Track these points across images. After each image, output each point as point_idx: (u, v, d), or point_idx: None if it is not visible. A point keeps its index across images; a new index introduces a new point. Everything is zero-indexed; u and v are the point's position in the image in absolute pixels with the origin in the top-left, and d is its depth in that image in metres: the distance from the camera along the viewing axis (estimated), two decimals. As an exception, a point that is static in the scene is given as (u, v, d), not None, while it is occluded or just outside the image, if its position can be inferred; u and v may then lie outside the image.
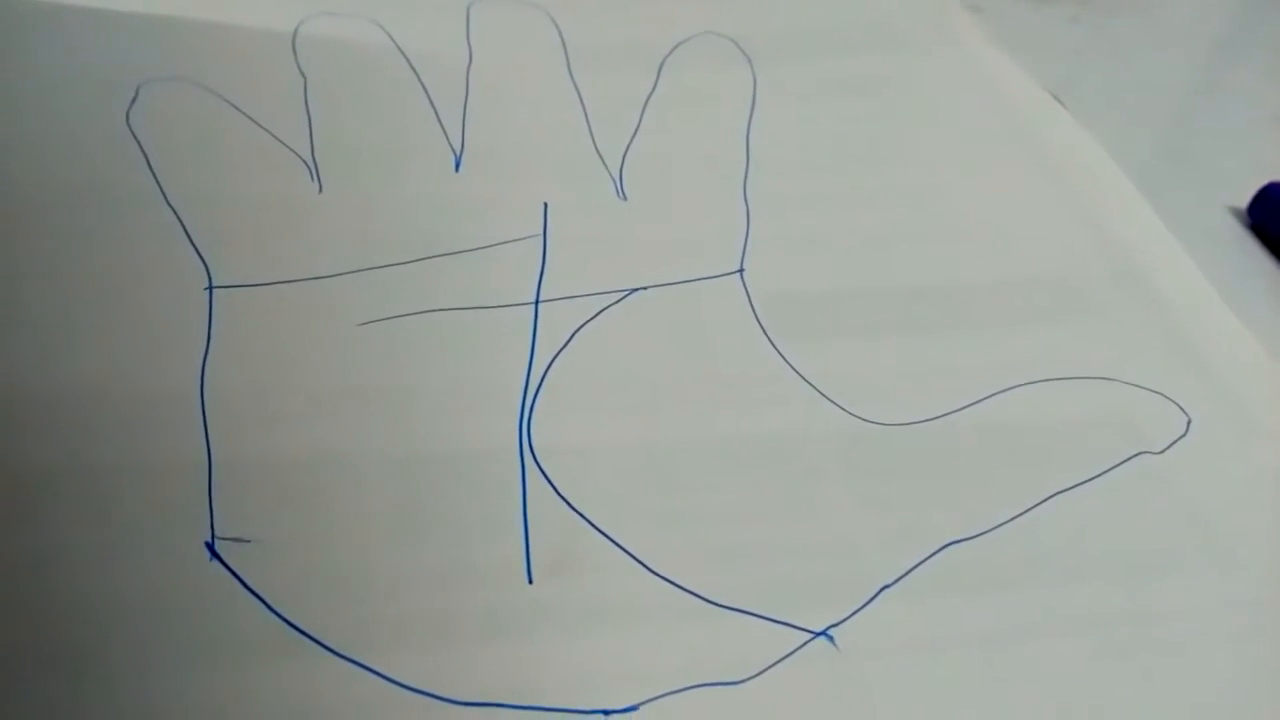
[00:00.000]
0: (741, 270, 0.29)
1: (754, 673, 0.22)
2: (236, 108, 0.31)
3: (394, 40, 0.33)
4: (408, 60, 0.33)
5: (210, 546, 0.22)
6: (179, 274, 0.26)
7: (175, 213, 0.28)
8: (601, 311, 0.27)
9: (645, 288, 0.28)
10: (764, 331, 0.28)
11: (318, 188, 0.29)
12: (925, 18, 0.39)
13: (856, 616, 0.23)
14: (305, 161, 0.30)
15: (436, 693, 0.21)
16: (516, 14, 0.35)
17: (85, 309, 0.25)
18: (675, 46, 0.35)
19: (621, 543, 0.23)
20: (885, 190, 0.32)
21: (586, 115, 0.33)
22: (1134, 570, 0.24)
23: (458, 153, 0.31)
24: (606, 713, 0.21)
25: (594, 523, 0.23)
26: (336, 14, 0.34)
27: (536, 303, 0.27)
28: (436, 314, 0.27)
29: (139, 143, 0.29)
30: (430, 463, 0.24)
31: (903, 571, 0.24)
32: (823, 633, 0.22)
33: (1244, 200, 0.36)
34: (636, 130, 0.32)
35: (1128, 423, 0.27)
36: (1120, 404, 0.27)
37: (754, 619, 0.23)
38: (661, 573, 0.23)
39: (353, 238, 0.28)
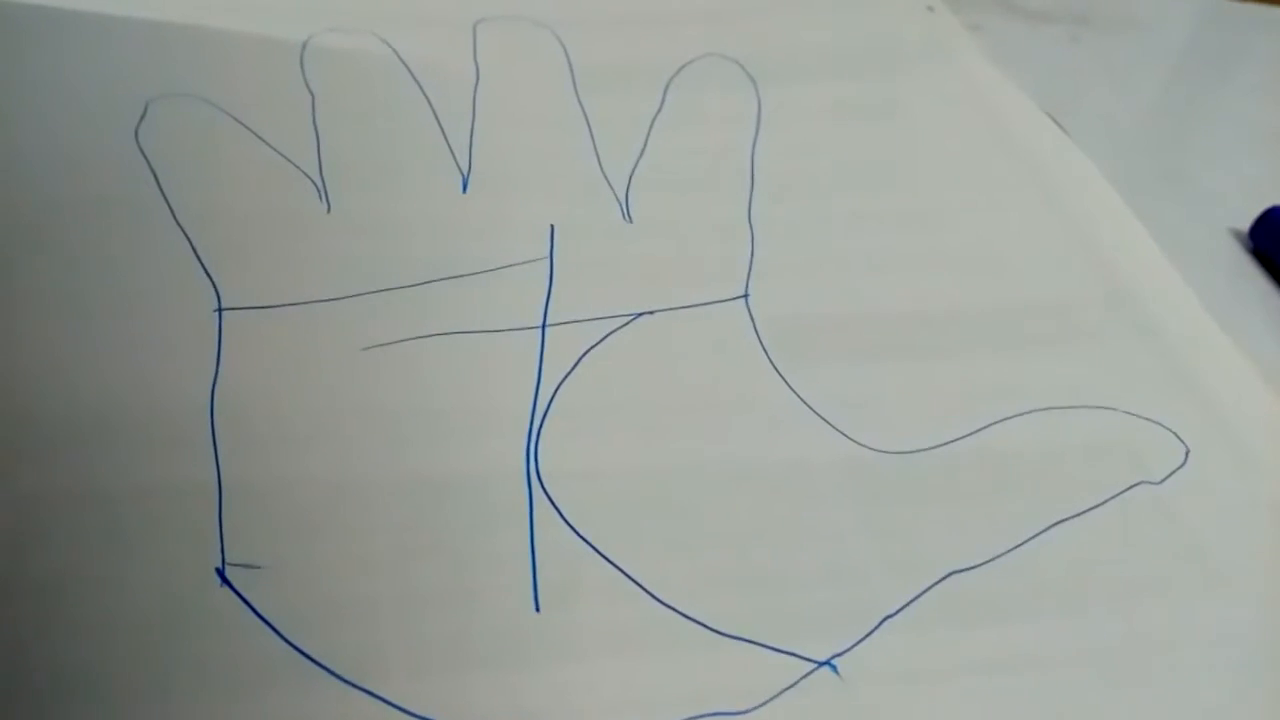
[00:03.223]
0: (746, 295, 0.29)
1: (758, 702, 0.22)
2: (244, 125, 0.31)
3: (401, 58, 0.34)
4: (414, 78, 0.33)
5: (220, 573, 0.22)
6: (189, 295, 0.26)
7: (184, 231, 0.28)
8: (608, 336, 0.28)
9: (651, 312, 0.28)
10: (768, 357, 0.28)
11: (325, 207, 0.29)
12: (926, 39, 0.39)
13: (859, 646, 0.23)
14: (313, 180, 0.30)
15: (442, 719, 0.21)
16: (523, 33, 0.36)
17: (94, 329, 0.25)
18: (680, 68, 0.35)
19: (627, 570, 0.23)
20: (886, 214, 0.33)
21: (592, 136, 0.33)
22: (1134, 600, 0.25)
23: (465, 173, 0.31)
24: (611, 740, 0.21)
25: (600, 550, 0.24)
26: (344, 31, 0.34)
27: (543, 326, 0.28)
28: (443, 337, 0.27)
29: (147, 160, 0.29)
30: (438, 488, 0.24)
31: (905, 601, 0.24)
32: (826, 662, 0.23)
33: (1245, 223, 0.37)
34: (642, 152, 0.33)
35: (1127, 452, 0.27)
36: (1119, 433, 0.28)
37: (758, 648, 0.23)
38: (667, 601, 0.23)
39: (361, 259, 0.28)
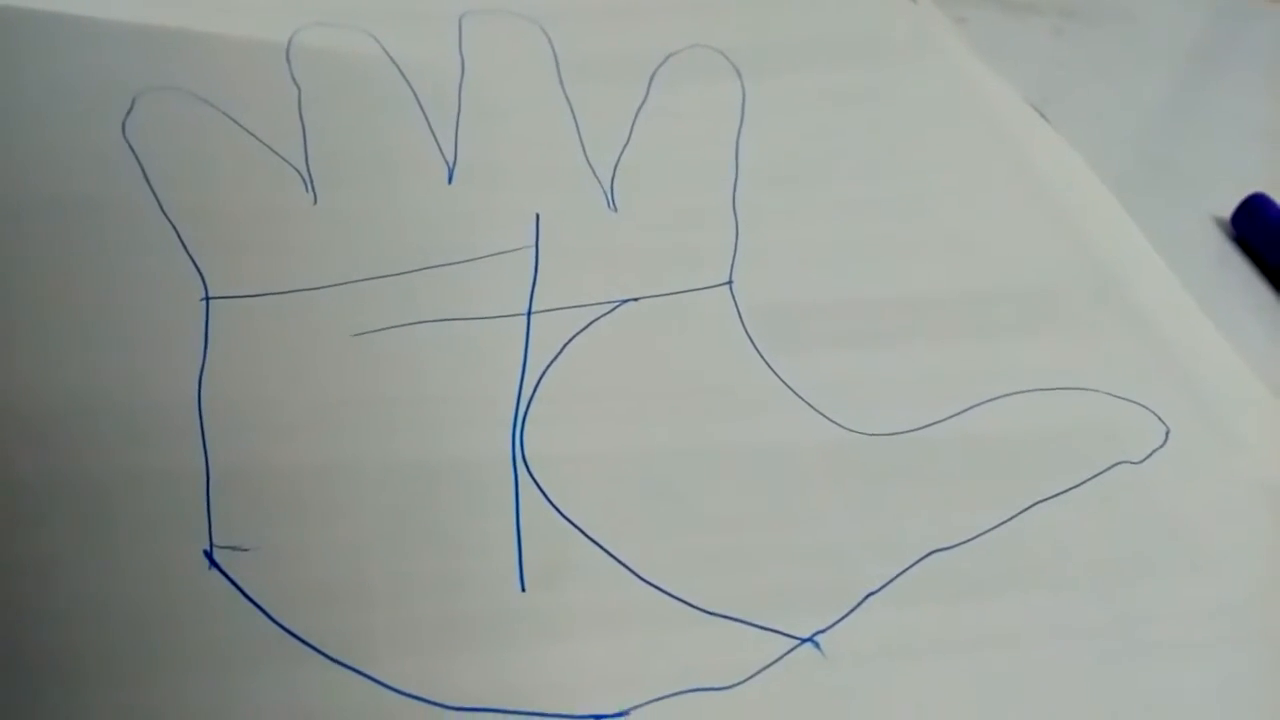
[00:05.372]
0: (730, 282, 0.29)
1: (742, 678, 0.22)
2: (231, 118, 0.31)
3: (386, 51, 0.34)
4: (400, 71, 0.33)
5: (209, 555, 0.22)
6: (176, 284, 0.27)
7: (171, 223, 0.28)
8: (592, 323, 0.28)
9: (635, 299, 0.29)
10: (752, 343, 0.28)
11: (312, 199, 0.29)
12: (910, 30, 0.39)
13: (842, 623, 0.23)
14: (299, 172, 0.30)
15: (430, 698, 0.21)
16: (508, 26, 0.36)
17: (83, 319, 0.25)
18: (665, 59, 0.36)
19: (612, 550, 0.24)
20: (870, 202, 0.33)
21: (578, 127, 0.33)
22: (1114, 577, 0.25)
23: (450, 164, 0.31)
24: (597, 718, 0.21)
25: (585, 531, 0.24)
26: (330, 25, 0.34)
27: (529, 314, 0.28)
28: (430, 325, 0.27)
29: (135, 153, 0.29)
30: (424, 472, 0.24)
31: (888, 579, 0.24)
32: (809, 639, 0.23)
33: (1228, 210, 0.37)
34: (627, 142, 0.33)
35: (1107, 433, 0.28)
36: (1100, 415, 0.28)
37: (742, 625, 0.23)
38: (651, 580, 0.23)
39: (347, 249, 0.28)
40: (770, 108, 0.35)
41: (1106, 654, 0.24)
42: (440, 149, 0.31)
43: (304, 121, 0.31)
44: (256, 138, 0.31)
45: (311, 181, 0.30)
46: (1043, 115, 0.37)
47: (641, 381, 0.27)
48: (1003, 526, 0.25)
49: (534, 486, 0.24)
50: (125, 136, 0.30)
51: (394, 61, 0.34)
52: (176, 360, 0.25)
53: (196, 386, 0.25)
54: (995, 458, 0.27)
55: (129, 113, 0.30)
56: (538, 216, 0.30)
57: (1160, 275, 0.32)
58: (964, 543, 0.25)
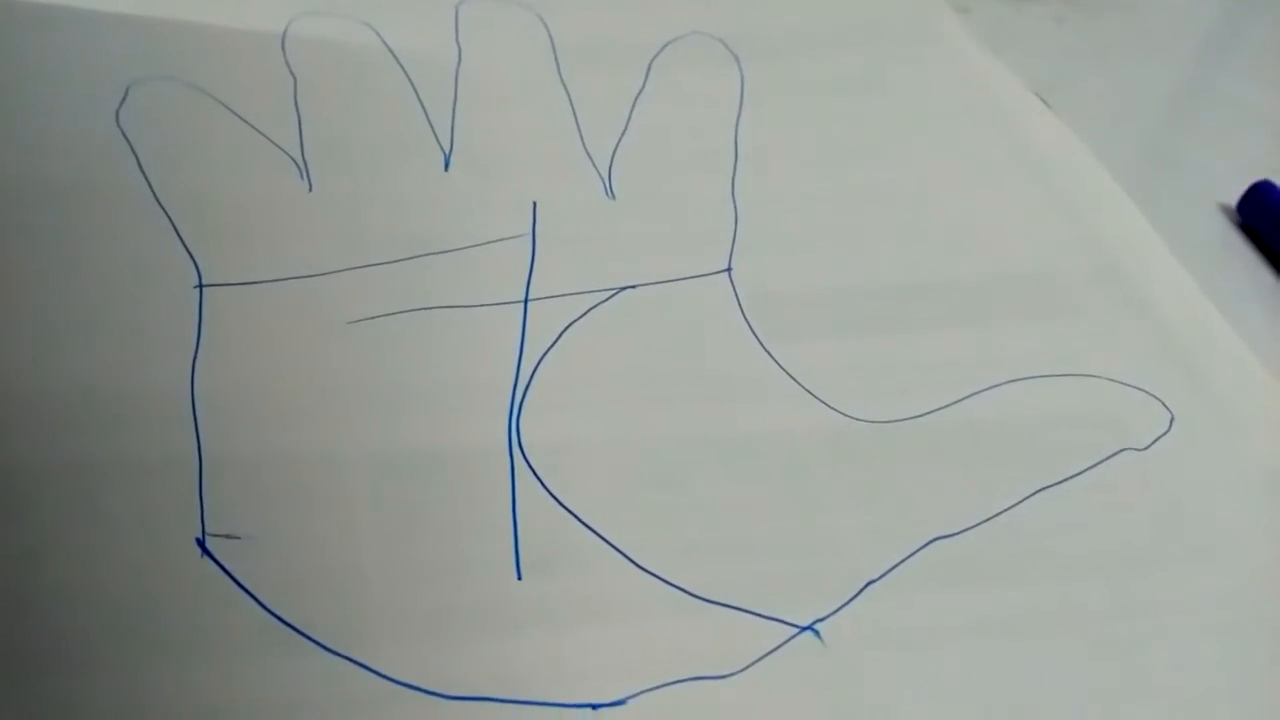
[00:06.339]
0: (729, 269, 0.29)
1: (741, 667, 0.22)
2: (226, 107, 0.31)
3: (383, 39, 0.34)
4: (397, 59, 0.33)
5: (201, 543, 0.22)
6: (169, 273, 0.26)
7: (165, 212, 0.28)
8: (590, 310, 0.28)
9: (633, 286, 0.28)
10: (751, 330, 0.28)
11: (307, 186, 0.29)
12: (912, 18, 0.39)
13: (842, 611, 0.23)
14: (295, 160, 0.30)
15: (426, 687, 0.21)
16: (505, 13, 0.35)
17: (75, 308, 0.25)
18: (664, 46, 0.35)
19: (610, 538, 0.23)
20: (872, 189, 0.32)
21: (575, 114, 0.33)
22: (1118, 565, 0.25)
23: (447, 152, 0.31)
24: (594, 706, 0.21)
25: (582, 519, 0.24)
26: (325, 13, 0.34)
27: (525, 301, 0.28)
28: (426, 312, 0.27)
29: (129, 142, 0.29)
30: (420, 460, 0.24)
31: (888, 567, 0.24)
32: (809, 627, 0.23)
33: (1234, 198, 0.37)
34: (625, 130, 0.33)
35: (1112, 419, 0.27)
36: (1104, 401, 0.28)
37: (741, 614, 0.23)
38: (649, 568, 0.23)
39: (342, 236, 0.28)
40: (770, 95, 0.35)
41: (1110, 641, 0.23)
42: (436, 137, 0.31)
43: (299, 109, 0.31)
44: (251, 126, 0.30)
45: (307, 169, 0.30)
46: (1045, 102, 0.37)
47: (639, 369, 0.27)
48: (1005, 514, 0.25)
49: (530, 474, 0.24)
50: (119, 125, 0.29)
51: (390, 49, 0.33)
52: (169, 348, 0.25)
53: (189, 374, 0.24)
54: (998, 444, 0.26)
55: (123, 101, 0.30)
56: (535, 204, 0.30)
57: (1165, 262, 0.32)
58: (966, 530, 0.25)
